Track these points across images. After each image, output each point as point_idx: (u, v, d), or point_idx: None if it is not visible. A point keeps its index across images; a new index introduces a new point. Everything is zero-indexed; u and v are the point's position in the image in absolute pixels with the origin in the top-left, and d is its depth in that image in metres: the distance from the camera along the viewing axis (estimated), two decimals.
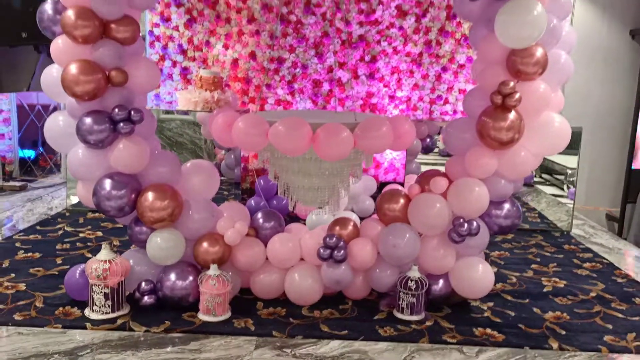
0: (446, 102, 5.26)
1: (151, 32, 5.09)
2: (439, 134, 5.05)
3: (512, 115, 2.53)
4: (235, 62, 5.15)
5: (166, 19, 5.06)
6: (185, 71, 5.19)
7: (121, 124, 2.51)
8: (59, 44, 2.49)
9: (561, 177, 4.82)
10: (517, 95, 2.50)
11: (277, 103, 5.25)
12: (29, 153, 5.73)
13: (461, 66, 5.17)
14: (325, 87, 5.22)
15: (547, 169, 5.00)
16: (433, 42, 5.14)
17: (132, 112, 2.52)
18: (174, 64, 5.17)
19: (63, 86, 2.44)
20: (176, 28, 5.09)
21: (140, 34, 2.66)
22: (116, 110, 2.50)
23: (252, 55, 5.13)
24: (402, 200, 2.82)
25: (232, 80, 5.18)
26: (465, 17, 2.80)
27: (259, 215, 2.97)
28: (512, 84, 2.50)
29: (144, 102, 2.79)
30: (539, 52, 2.50)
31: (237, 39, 5.11)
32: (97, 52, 2.47)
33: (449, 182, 2.77)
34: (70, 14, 2.40)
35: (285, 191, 2.80)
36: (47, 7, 2.52)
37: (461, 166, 2.76)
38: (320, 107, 5.24)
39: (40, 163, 5.85)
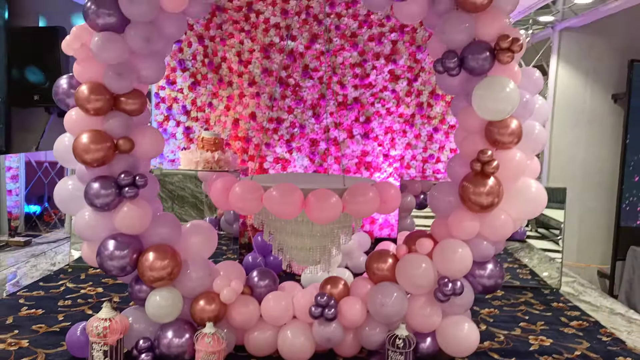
0: (438, 160, 5.48)
1: (157, 94, 5.38)
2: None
3: (491, 181, 2.72)
4: (236, 122, 5.41)
5: (172, 82, 5.36)
6: (188, 131, 5.44)
7: (126, 189, 2.69)
8: (72, 116, 2.71)
9: (556, 232, 4.95)
10: (495, 163, 2.69)
11: (275, 161, 5.47)
12: (35, 208, 5.92)
13: (452, 127, 5.42)
14: (322, 145, 5.46)
15: (543, 224, 5.14)
16: (424, 104, 5.41)
17: (137, 178, 2.71)
18: (178, 123, 5.43)
19: (74, 154, 2.64)
20: (181, 90, 5.38)
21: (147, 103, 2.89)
22: (122, 175, 2.69)
23: (252, 116, 5.40)
24: (390, 260, 2.96)
25: (232, 139, 5.43)
26: (446, 90, 3.02)
27: (254, 273, 3.10)
28: (490, 152, 2.70)
29: (148, 167, 2.98)
30: (513, 124, 2.71)
31: (238, 101, 5.39)
32: (107, 123, 2.69)
33: (434, 243, 2.93)
34: (84, 89, 2.63)
35: (280, 250, 2.95)
36: (63, 82, 2.76)
37: (445, 228, 2.92)
38: (317, 165, 5.45)
39: (45, 218, 6.02)
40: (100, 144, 2.64)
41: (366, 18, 5.31)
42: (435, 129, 5.44)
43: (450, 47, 2.80)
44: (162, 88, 5.38)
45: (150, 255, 2.76)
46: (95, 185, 2.67)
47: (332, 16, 5.31)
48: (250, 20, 5.30)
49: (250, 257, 4.54)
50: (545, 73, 5.69)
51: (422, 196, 5.79)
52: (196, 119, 5.43)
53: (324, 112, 5.42)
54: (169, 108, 5.41)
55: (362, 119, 5.43)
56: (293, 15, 5.29)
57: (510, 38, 2.66)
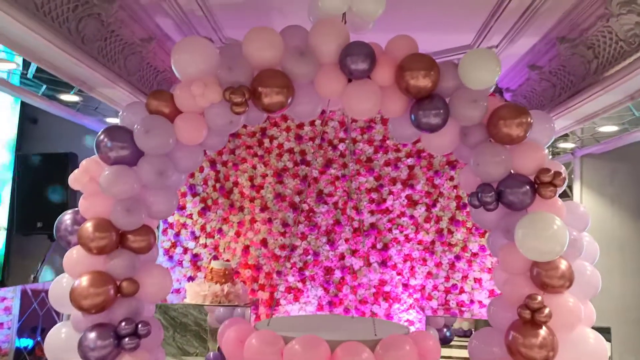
0: (462, 291, 5.11)
1: (165, 220, 5.17)
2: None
3: (543, 331, 2.37)
4: (246, 249, 5.15)
5: (181, 207, 5.18)
6: (195, 258, 5.16)
7: (126, 339, 2.36)
8: (73, 255, 2.46)
9: None
10: (546, 311, 2.37)
11: (287, 290, 5.12)
12: (27, 342, 5.46)
13: (474, 254, 5.12)
14: (337, 274, 5.13)
15: None
16: (444, 231, 5.16)
17: (140, 326, 2.39)
18: (185, 250, 5.16)
19: (70, 299, 2.35)
20: (190, 216, 5.19)
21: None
22: (123, 324, 2.37)
23: (264, 243, 5.14)
24: None
25: (242, 267, 5.13)
26: (482, 225, 2.79)
27: None
28: (539, 297, 2.39)
29: (152, 311, 2.67)
30: (563, 265, 2.43)
31: (249, 227, 5.16)
32: (111, 263, 2.43)
33: None
34: (88, 225, 2.40)
35: None
36: (67, 218, 2.54)
37: None
38: (331, 295, 5.09)
39: (37, 353, 5.53)
40: (101, 287, 2.36)
41: (382, 143, 5.25)
42: (457, 257, 5.13)
43: (485, 180, 2.61)
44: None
45: None
46: (92, 335, 2.35)
47: (347, 141, 5.26)
48: (264, 146, 5.25)
49: None
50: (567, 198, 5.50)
51: (445, 330, 5.35)
52: (205, 246, 5.17)
53: (339, 239, 5.16)
54: (177, 234, 5.17)
55: (379, 245, 5.16)
56: (307, 140, 5.25)
57: (552, 172, 2.48)
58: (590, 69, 3.62)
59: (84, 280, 2.34)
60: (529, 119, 2.51)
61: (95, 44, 3.39)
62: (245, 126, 5.25)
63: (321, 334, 2.39)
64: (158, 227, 5.15)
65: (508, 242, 2.60)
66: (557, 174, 2.47)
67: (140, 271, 2.51)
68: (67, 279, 2.49)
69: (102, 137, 2.44)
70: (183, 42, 2.50)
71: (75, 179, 2.43)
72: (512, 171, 2.60)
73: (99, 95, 3.70)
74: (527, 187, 2.50)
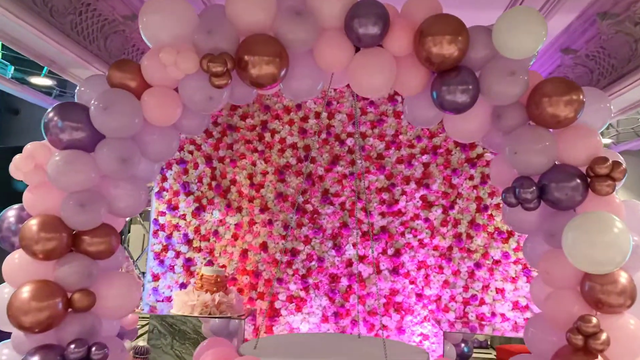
0: (482, 302, 4.59)
1: (156, 221, 4.72)
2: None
3: None
4: (244, 253, 4.67)
5: (173, 208, 4.72)
6: (188, 262, 4.69)
7: None
8: (15, 260, 2.00)
9: None
10: (603, 336, 1.87)
11: (289, 300, 4.63)
12: None
13: (496, 262, 4.61)
14: (344, 282, 4.64)
15: None
16: (463, 235, 4.65)
17: (93, 349, 1.92)
18: (177, 254, 4.70)
19: (8, 315, 1.89)
20: (183, 217, 4.72)
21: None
22: (72, 346, 1.91)
23: (264, 247, 4.67)
24: None
25: (239, 273, 4.65)
26: (517, 227, 2.30)
27: None
28: (594, 320, 1.89)
29: (115, 329, 2.20)
30: (623, 278, 1.93)
31: (247, 229, 4.69)
32: (60, 270, 1.97)
33: None
34: (32, 224, 1.95)
35: None
36: (10, 214, 2.09)
37: None
38: (337, 305, 4.59)
39: None
40: (47, 300, 1.90)
41: (394, 138, 4.77)
42: (477, 265, 4.62)
43: (523, 173, 2.12)
44: (163, 214, 4.73)
45: None
46: (34, 359, 1.88)
47: (355, 136, 4.78)
48: (265, 140, 4.78)
49: None
50: None
51: (462, 345, 4.84)
52: (199, 249, 4.70)
53: (346, 243, 4.67)
54: (169, 236, 4.71)
55: (390, 251, 4.66)
56: (312, 134, 4.78)
57: (610, 162, 1.98)
58: (638, 49, 3.14)
59: (25, 292, 1.89)
60: (580, 97, 2.02)
61: (67, 18, 2.95)
62: (244, 119, 4.80)
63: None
64: (149, 228, 4.70)
65: (552, 249, 2.11)
66: (616, 164, 1.98)
67: (98, 281, 2.04)
68: (8, 290, 2.03)
69: (51, 115, 1.98)
70: (153, 1, 2.04)
71: (16, 167, 1.97)
72: (557, 162, 2.11)
73: (73, 77, 3.26)
74: (578, 180, 2.01)
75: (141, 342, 5.35)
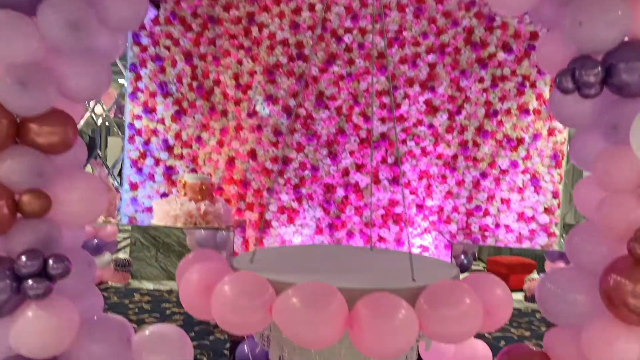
0: (486, 213, 4.32)
1: (131, 125, 4.25)
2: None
3: None
4: (231, 161, 4.27)
5: (150, 110, 4.24)
6: (170, 171, 4.29)
7: (29, 282, 1.53)
8: None
9: None
10: None
11: (280, 211, 4.31)
12: None
13: (503, 172, 4.28)
14: (340, 193, 4.30)
15: None
16: (469, 143, 4.29)
17: (51, 262, 1.55)
18: (157, 162, 4.28)
19: None
20: (162, 121, 4.26)
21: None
22: (23, 258, 1.53)
23: (252, 154, 4.26)
24: None
25: (226, 183, 4.28)
26: (566, 119, 1.91)
27: None
28: None
29: (79, 239, 1.82)
30: None
31: (234, 135, 4.26)
32: (1, 165, 1.54)
33: None
34: None
35: None
36: None
37: (575, 347, 1.75)
38: (332, 217, 4.29)
39: None
40: None
41: (397, 35, 4.25)
42: (483, 175, 4.30)
43: (585, 51, 1.70)
44: (139, 117, 4.26)
45: None
46: None
47: (354, 32, 4.25)
48: (252, 36, 4.23)
49: (246, 347, 3.33)
50: None
51: (462, 257, 4.65)
52: (181, 157, 4.28)
53: (342, 151, 4.29)
54: (147, 142, 4.27)
55: (390, 159, 4.29)
56: (305, 29, 4.23)
57: None
58: None
59: None
60: None
61: None
62: (227, 10, 4.21)
63: (330, 276, 1.57)
64: (123, 133, 4.25)
65: (611, 145, 1.74)
66: None
67: (53, 181, 1.63)
68: None
69: None
70: None
71: None
72: (627, 38, 1.69)
73: None
74: None
75: (122, 255, 5.05)
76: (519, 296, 4.88)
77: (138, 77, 4.20)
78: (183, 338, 1.87)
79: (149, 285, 4.89)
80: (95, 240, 4.49)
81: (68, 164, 1.69)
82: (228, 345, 3.53)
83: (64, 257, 1.56)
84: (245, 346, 3.32)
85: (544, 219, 4.24)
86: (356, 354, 1.60)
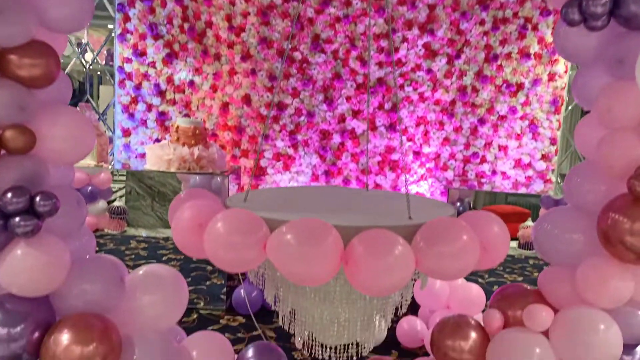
0: (483, 160, 4.28)
1: (121, 69, 4.13)
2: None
3: None
4: (225, 106, 4.19)
5: (140, 54, 4.10)
6: (162, 117, 4.21)
7: (17, 219, 1.49)
8: None
9: None
10: None
11: (275, 157, 4.26)
12: None
13: (502, 117, 4.22)
14: (336, 139, 4.25)
15: None
16: (468, 89, 4.20)
17: (38, 199, 1.50)
18: (149, 107, 4.19)
19: None
20: (153, 64, 4.13)
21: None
22: (9, 195, 1.48)
23: (246, 100, 4.17)
24: (473, 336, 1.79)
25: (220, 129, 4.21)
26: (570, 54, 1.83)
27: (250, 352, 1.91)
28: None
29: (67, 177, 1.77)
30: None
31: (227, 80, 4.15)
32: None
33: (553, 312, 1.75)
34: None
35: (291, 321, 1.76)
36: None
37: (570, 286, 1.75)
38: (328, 164, 4.25)
39: None
40: None
41: None
42: (481, 121, 4.24)
43: None
44: (129, 61, 4.13)
45: (65, 336, 1.56)
46: None
47: None
48: None
49: (242, 291, 3.36)
50: None
51: (458, 204, 4.64)
52: (173, 102, 4.19)
53: (339, 97, 4.20)
54: (138, 87, 4.16)
55: (387, 106, 4.22)
56: None
57: None
58: None
59: None
60: None
61: None
62: None
63: (325, 215, 1.55)
64: (113, 77, 4.13)
65: (615, 80, 1.68)
66: None
67: (38, 117, 1.57)
68: None
69: None
70: None
71: None
72: None
73: None
74: None
75: (117, 203, 5.04)
76: (513, 244, 4.92)
77: (127, 18, 4.05)
78: (178, 278, 1.85)
79: (145, 233, 4.89)
80: (90, 188, 4.45)
81: (52, 100, 1.62)
82: (224, 290, 3.56)
83: (51, 195, 1.52)
84: (242, 290, 3.35)
85: (540, 165, 4.21)
86: (351, 291, 1.59)
